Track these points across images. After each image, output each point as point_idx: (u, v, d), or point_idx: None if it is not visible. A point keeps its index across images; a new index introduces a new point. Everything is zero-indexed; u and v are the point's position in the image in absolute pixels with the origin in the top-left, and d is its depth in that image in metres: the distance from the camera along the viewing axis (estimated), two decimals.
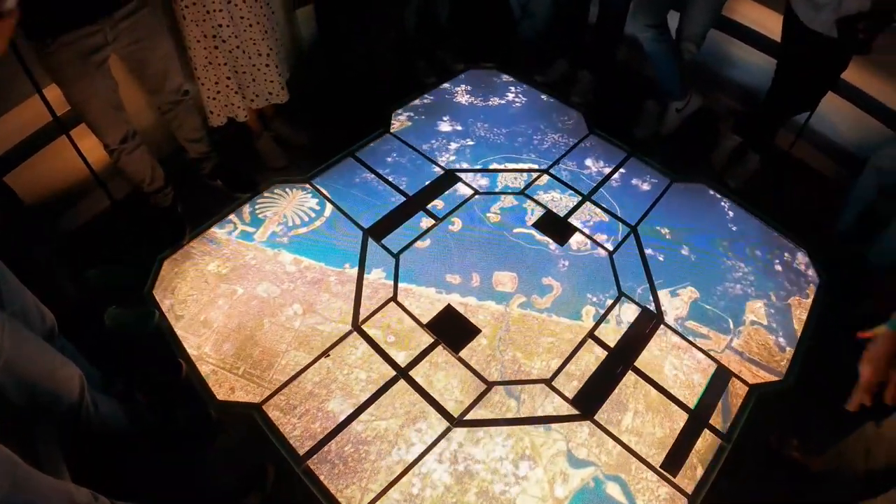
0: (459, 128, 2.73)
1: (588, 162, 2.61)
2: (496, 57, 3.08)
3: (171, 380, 1.82)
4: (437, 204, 2.40)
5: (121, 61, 1.90)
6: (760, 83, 2.53)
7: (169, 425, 1.71)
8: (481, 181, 2.50)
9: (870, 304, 2.02)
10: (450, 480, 1.69)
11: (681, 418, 1.84)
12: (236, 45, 2.12)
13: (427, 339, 1.99)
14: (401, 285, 2.13)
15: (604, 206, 2.43)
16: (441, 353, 1.96)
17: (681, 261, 2.25)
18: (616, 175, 2.56)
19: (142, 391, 1.72)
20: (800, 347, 2.03)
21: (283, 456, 1.72)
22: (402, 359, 1.94)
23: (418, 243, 2.27)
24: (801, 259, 2.29)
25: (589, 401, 1.86)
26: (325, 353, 1.94)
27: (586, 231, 2.33)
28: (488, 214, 2.38)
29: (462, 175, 2.51)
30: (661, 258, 2.26)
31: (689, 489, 1.70)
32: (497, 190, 2.47)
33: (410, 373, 1.91)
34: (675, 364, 1.96)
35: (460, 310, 2.07)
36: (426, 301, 2.09)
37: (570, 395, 1.87)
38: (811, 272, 2.25)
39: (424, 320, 2.04)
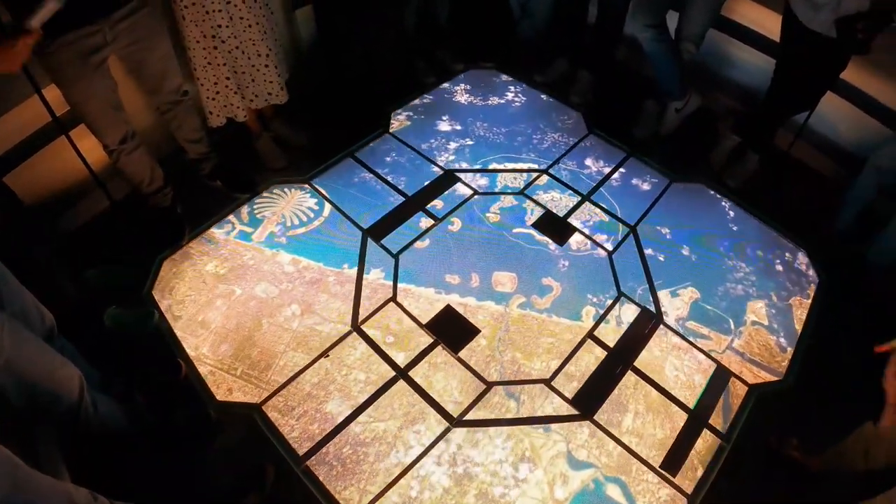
0: (459, 127, 2.72)
1: (588, 162, 2.60)
2: (496, 57, 3.07)
3: (170, 380, 1.82)
4: (437, 204, 2.40)
5: (120, 62, 1.90)
6: (759, 83, 2.53)
7: (168, 425, 1.72)
8: (481, 181, 2.50)
9: (869, 303, 2.02)
10: (448, 483, 1.69)
11: (681, 419, 1.84)
12: (235, 45, 2.12)
13: (426, 340, 1.99)
14: (400, 285, 2.13)
15: (603, 205, 2.42)
16: (440, 354, 1.96)
17: (681, 261, 2.25)
18: (615, 175, 2.55)
19: (141, 391, 1.72)
20: (799, 347, 2.03)
21: (283, 456, 1.72)
22: (401, 359, 1.94)
23: (417, 243, 2.26)
24: (802, 259, 2.29)
25: (588, 401, 1.86)
26: (324, 354, 1.94)
27: (586, 231, 2.33)
28: (488, 214, 2.37)
29: (461, 175, 2.51)
30: (661, 258, 2.25)
31: (689, 489, 1.70)
32: (496, 190, 2.47)
33: (410, 373, 1.90)
34: (676, 365, 1.96)
35: (460, 310, 2.07)
36: (425, 301, 2.09)
37: (570, 396, 1.87)
38: (811, 272, 2.25)
39: (424, 321, 2.03)
